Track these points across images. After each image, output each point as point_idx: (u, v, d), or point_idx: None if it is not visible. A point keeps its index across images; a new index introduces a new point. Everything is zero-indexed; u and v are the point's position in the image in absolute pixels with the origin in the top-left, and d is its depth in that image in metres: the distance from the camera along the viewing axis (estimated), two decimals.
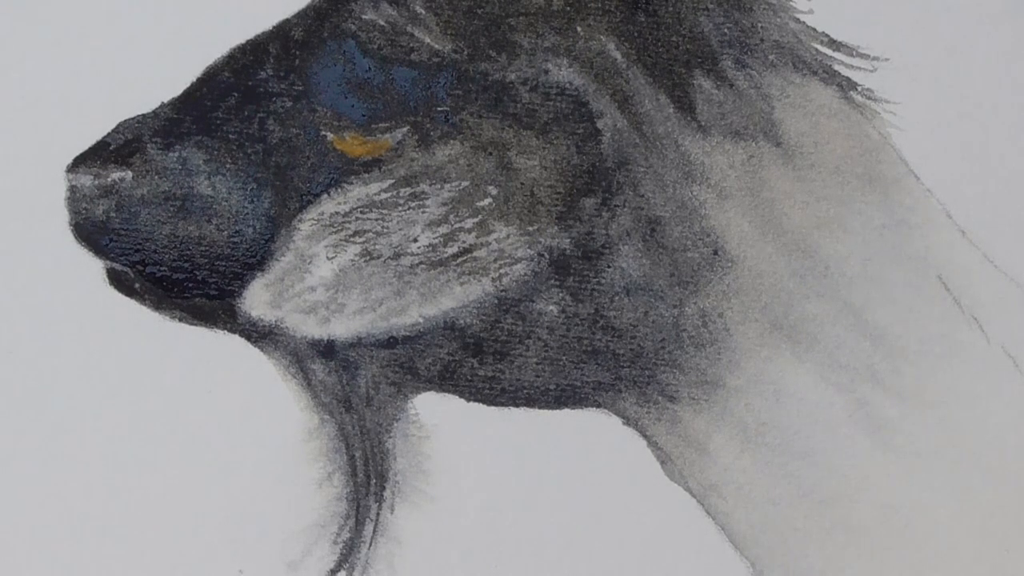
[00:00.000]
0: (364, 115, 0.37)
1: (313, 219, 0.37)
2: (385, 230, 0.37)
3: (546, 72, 0.37)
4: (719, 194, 0.37)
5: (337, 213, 0.37)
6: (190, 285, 0.37)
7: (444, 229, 0.37)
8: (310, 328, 0.37)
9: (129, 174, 0.38)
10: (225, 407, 0.37)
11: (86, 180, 0.38)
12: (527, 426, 0.37)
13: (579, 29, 0.38)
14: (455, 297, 0.37)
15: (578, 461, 0.37)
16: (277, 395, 0.37)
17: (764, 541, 0.36)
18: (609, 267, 0.37)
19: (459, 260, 0.37)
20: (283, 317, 0.37)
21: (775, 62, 0.38)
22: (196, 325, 0.37)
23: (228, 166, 0.38)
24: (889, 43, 0.39)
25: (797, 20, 0.38)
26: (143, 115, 0.38)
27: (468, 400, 0.37)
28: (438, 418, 0.37)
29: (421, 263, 0.37)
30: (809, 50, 0.38)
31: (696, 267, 0.37)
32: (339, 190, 0.37)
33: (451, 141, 0.37)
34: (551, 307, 0.37)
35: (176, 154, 0.38)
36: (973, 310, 0.37)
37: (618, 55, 0.38)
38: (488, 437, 0.37)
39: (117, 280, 0.38)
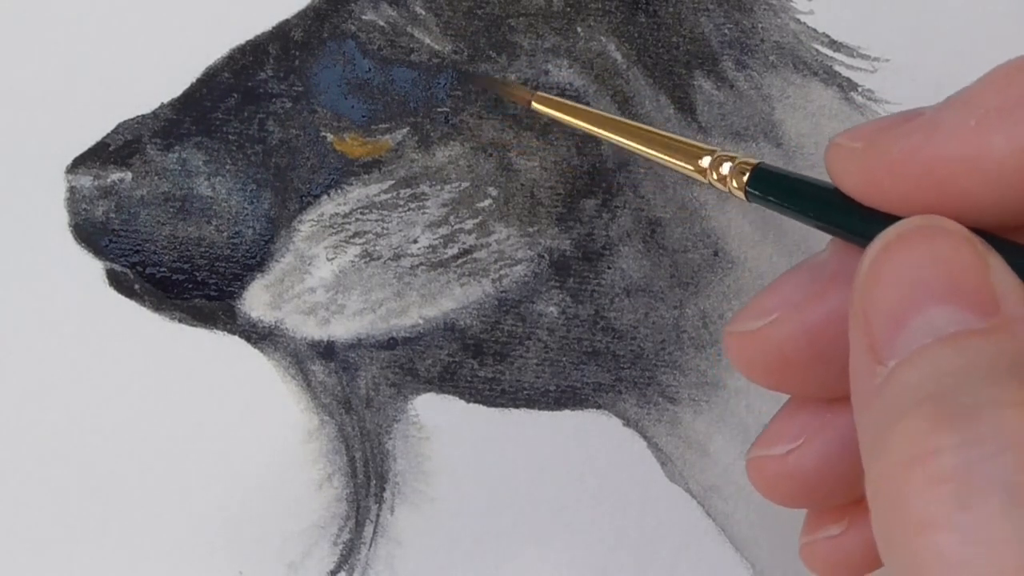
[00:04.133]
0: (364, 116, 0.37)
1: (313, 220, 0.37)
2: (385, 231, 0.37)
3: (546, 73, 0.37)
4: (720, 195, 0.37)
5: (337, 214, 0.37)
6: (190, 286, 0.37)
7: (444, 230, 0.37)
8: (310, 329, 0.37)
9: (129, 175, 0.38)
10: (225, 407, 0.37)
11: (86, 181, 0.38)
12: (527, 427, 0.37)
13: (579, 30, 0.38)
14: (455, 298, 0.37)
15: (578, 462, 0.37)
16: (277, 396, 0.37)
17: (765, 542, 0.36)
18: (609, 268, 0.37)
19: (459, 261, 0.37)
20: (283, 318, 0.37)
21: (775, 63, 0.38)
22: (196, 326, 0.37)
23: (228, 167, 0.37)
24: (889, 43, 0.38)
25: (797, 21, 0.38)
26: (143, 115, 0.38)
27: (468, 401, 0.37)
28: (438, 419, 0.37)
29: (421, 264, 0.37)
30: (809, 51, 0.38)
31: (696, 268, 0.37)
32: (339, 191, 0.37)
33: (451, 142, 0.37)
34: (551, 308, 0.37)
35: (176, 155, 0.38)
36: None
37: (618, 56, 0.38)
38: (488, 438, 0.37)
39: (117, 281, 0.38)
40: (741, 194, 0.26)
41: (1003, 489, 0.18)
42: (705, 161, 0.27)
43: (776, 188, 0.26)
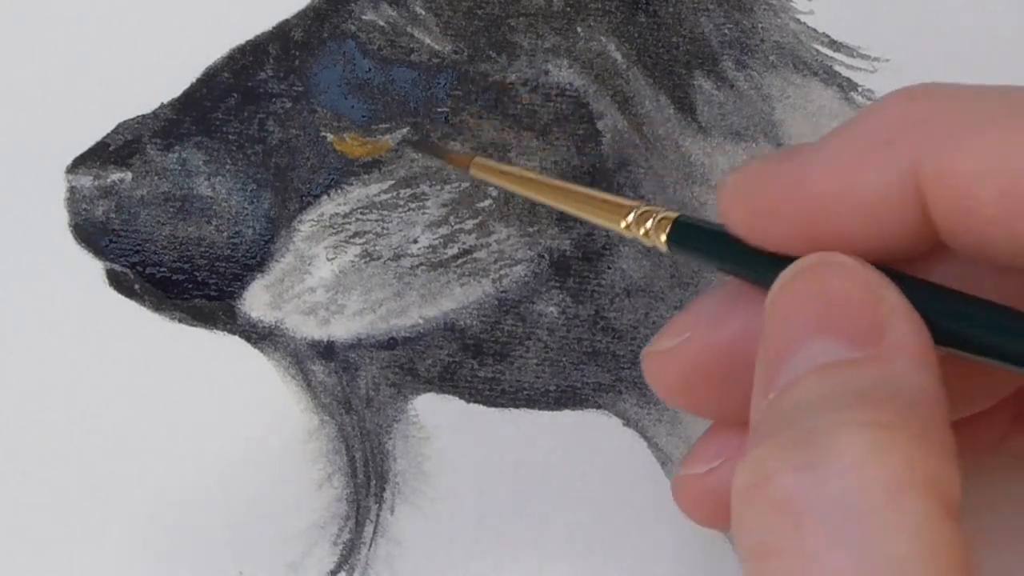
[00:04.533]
0: (364, 116, 0.37)
1: (313, 220, 0.37)
2: (385, 231, 0.37)
3: (546, 73, 0.37)
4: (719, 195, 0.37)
5: (337, 214, 0.37)
6: (190, 286, 0.37)
7: (444, 230, 0.37)
8: (310, 329, 0.37)
9: (129, 175, 0.38)
10: (225, 407, 0.37)
11: (86, 181, 0.38)
12: (527, 427, 0.37)
13: (579, 30, 0.38)
14: (455, 298, 0.37)
15: (578, 462, 0.37)
16: (277, 396, 0.37)
17: None
18: (609, 268, 0.37)
19: (459, 261, 0.37)
20: (283, 318, 0.37)
21: (775, 63, 0.38)
22: (196, 326, 0.37)
23: (228, 167, 0.38)
24: (889, 43, 0.39)
25: (797, 21, 0.38)
26: (143, 115, 0.38)
27: (468, 401, 0.37)
28: (438, 419, 0.37)
29: (421, 264, 0.37)
30: (809, 51, 0.38)
31: (697, 268, 0.37)
32: (339, 191, 0.37)
33: (451, 142, 0.37)
34: (551, 308, 0.37)
35: (176, 155, 0.38)
36: None
37: (618, 56, 0.38)
38: (488, 438, 0.37)
39: (117, 281, 0.38)
40: (666, 248, 0.26)
41: (835, 512, 0.18)
42: (630, 217, 0.26)
43: (695, 240, 0.25)
